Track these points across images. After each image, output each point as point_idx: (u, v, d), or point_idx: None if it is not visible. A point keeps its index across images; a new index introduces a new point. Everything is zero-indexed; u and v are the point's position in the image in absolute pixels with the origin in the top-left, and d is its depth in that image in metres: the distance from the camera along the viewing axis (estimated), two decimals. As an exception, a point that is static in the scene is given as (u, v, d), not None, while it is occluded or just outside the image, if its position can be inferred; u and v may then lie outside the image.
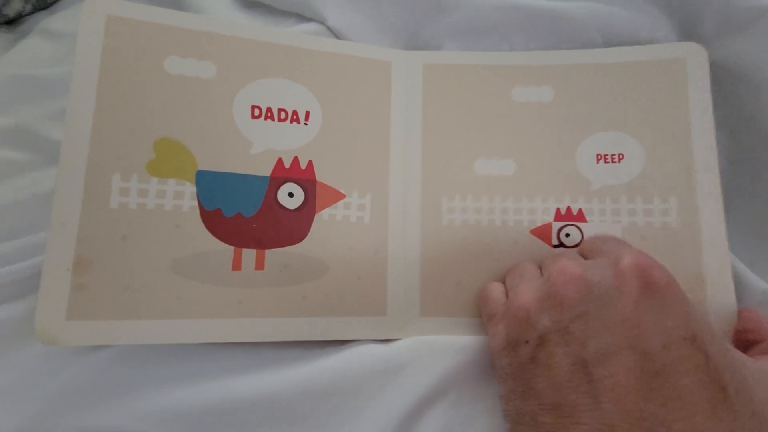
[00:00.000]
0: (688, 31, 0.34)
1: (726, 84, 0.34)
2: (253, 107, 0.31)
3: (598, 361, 0.21)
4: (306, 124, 0.31)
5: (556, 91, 0.33)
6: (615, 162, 0.32)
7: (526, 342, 0.24)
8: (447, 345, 0.28)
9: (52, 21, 0.46)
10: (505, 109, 0.33)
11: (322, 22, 0.38)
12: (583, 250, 0.30)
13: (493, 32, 0.35)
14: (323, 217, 0.31)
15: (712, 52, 0.33)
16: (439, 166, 0.33)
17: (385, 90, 0.33)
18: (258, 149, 0.30)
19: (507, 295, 0.28)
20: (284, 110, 0.31)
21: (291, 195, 0.30)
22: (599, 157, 0.32)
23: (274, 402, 0.26)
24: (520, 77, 0.33)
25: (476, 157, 0.33)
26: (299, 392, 0.26)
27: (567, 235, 0.32)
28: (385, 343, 0.30)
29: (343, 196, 0.31)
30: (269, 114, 0.31)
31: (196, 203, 0.29)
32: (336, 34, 0.37)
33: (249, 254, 0.29)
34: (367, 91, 0.33)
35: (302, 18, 0.39)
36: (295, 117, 0.31)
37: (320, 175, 0.31)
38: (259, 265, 0.29)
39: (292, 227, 0.30)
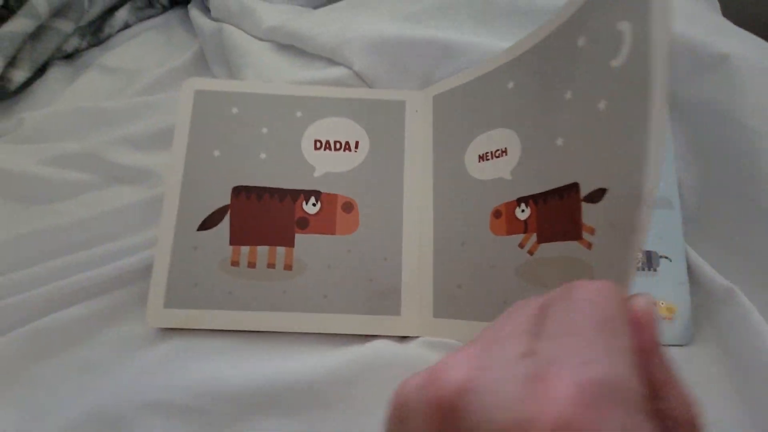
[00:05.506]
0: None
1: (697, 117, 0.37)
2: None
3: None
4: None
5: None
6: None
7: None
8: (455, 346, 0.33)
9: (108, 58, 0.53)
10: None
11: (349, 67, 0.44)
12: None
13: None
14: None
15: (685, 90, 0.37)
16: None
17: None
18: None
19: None
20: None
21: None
22: None
23: (313, 385, 0.30)
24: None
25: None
26: (332, 379, 0.31)
27: None
28: (401, 339, 0.35)
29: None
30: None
31: None
32: (361, 77, 0.43)
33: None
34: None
35: (331, 62, 0.45)
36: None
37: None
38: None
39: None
